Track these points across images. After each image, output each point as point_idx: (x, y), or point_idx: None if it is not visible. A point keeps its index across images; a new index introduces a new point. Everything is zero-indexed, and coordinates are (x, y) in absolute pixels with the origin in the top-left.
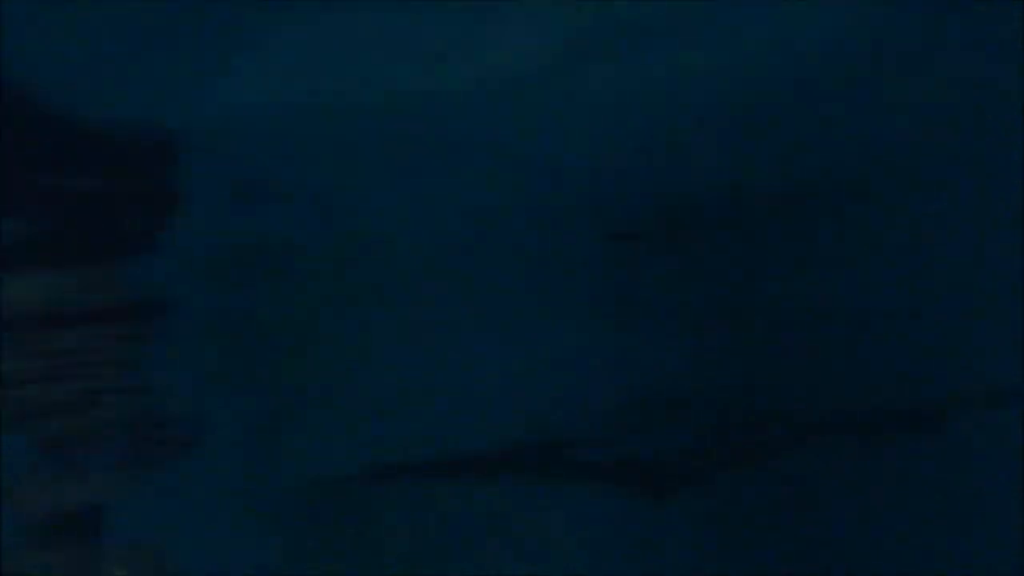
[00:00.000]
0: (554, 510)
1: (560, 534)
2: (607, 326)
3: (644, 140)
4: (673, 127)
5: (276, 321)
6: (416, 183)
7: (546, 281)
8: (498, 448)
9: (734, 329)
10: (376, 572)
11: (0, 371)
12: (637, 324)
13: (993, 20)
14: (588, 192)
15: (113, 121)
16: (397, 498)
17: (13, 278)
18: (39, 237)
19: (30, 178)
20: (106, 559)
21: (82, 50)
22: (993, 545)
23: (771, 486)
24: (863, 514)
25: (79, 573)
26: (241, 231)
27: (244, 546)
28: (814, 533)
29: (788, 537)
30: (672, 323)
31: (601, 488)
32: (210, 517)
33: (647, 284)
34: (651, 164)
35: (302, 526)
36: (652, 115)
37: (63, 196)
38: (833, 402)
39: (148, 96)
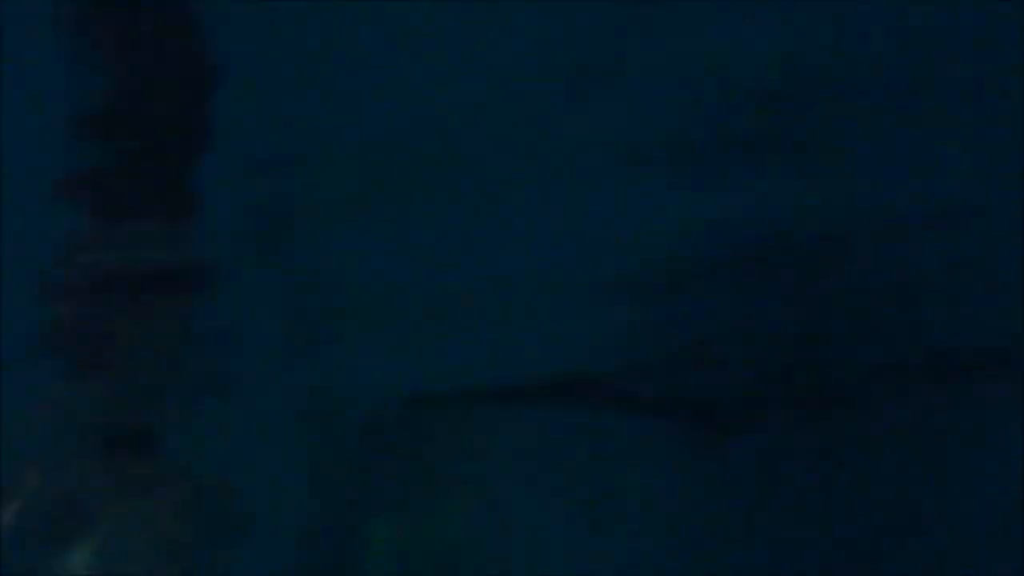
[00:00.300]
0: (609, 444)
1: (610, 468)
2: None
3: None
4: None
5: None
6: None
7: None
8: (552, 376)
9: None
10: (422, 495)
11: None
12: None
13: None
14: None
15: None
16: (443, 425)
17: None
18: None
19: None
20: (160, 481)
21: None
22: None
23: (843, 434)
24: (940, 472)
25: (131, 494)
26: None
27: (295, 471)
28: (882, 488)
29: (857, 490)
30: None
31: (659, 424)
32: (259, 442)
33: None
34: None
35: (350, 452)
36: None
37: None
38: (916, 345)
39: None
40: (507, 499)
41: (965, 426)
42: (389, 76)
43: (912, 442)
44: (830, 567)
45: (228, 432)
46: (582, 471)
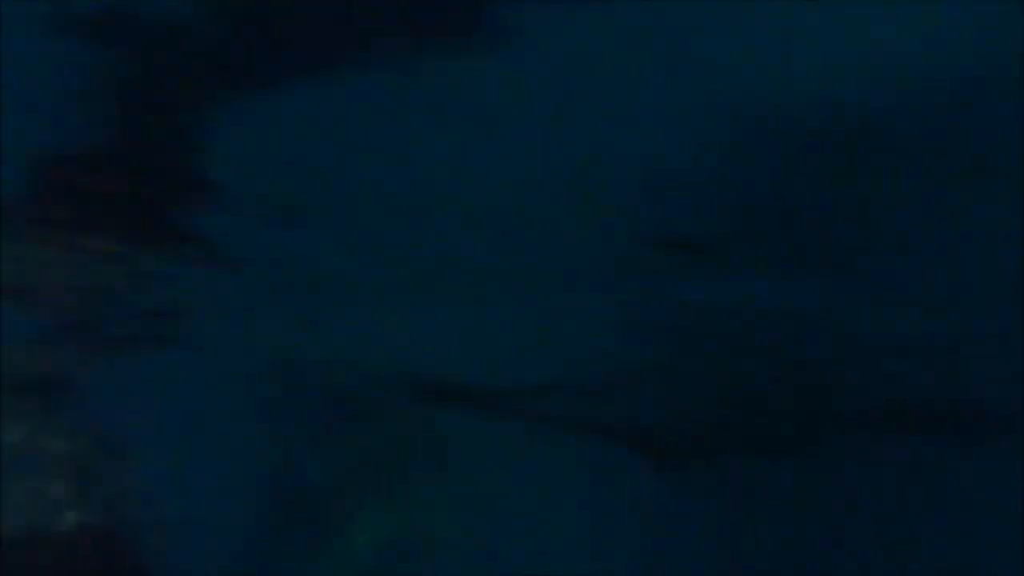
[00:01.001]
0: (552, 458)
1: (549, 480)
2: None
3: None
4: None
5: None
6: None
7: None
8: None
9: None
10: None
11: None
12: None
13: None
14: None
15: None
16: (397, 415)
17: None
18: None
19: None
20: (57, 436)
21: None
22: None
23: (792, 480)
24: (882, 529)
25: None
26: None
27: (219, 445)
28: (819, 537)
29: (791, 538)
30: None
31: (609, 447)
32: (192, 412)
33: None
34: None
35: (291, 431)
36: None
37: None
38: (879, 396)
39: None
40: (439, 501)
41: (931, 481)
42: None
43: (867, 491)
44: None
45: (161, 396)
46: (517, 479)
